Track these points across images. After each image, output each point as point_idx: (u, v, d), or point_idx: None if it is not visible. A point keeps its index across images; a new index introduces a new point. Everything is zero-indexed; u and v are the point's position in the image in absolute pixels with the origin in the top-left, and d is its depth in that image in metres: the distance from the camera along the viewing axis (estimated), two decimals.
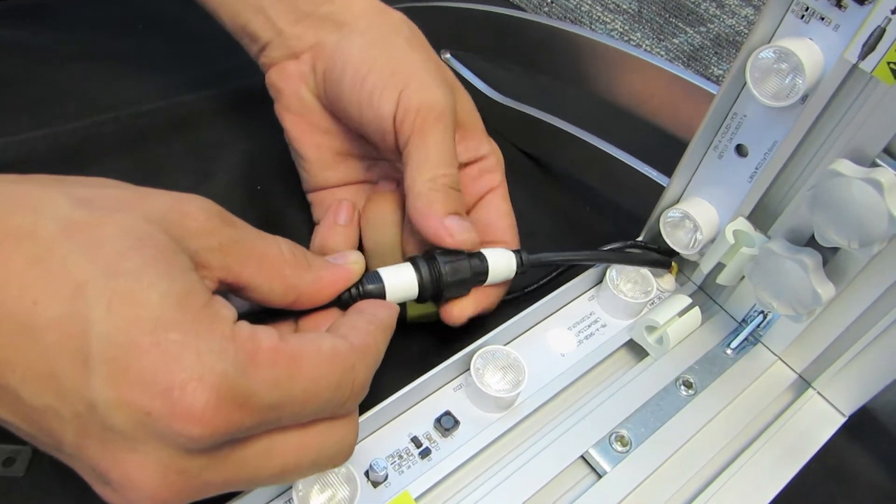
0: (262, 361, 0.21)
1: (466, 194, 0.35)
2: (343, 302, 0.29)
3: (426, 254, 0.31)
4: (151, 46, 0.49)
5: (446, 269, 0.30)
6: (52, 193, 0.22)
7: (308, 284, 0.26)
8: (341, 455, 0.25)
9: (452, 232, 0.30)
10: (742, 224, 0.33)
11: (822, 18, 0.28)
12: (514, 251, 0.33)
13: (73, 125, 0.43)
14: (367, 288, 0.29)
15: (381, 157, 0.37)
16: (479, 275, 0.31)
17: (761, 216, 0.33)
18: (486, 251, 0.32)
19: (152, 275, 0.20)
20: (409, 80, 0.32)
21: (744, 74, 0.30)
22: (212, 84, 0.47)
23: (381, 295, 0.29)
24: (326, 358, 0.23)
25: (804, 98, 0.29)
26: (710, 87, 0.38)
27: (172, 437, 0.20)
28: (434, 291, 0.30)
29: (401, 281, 0.30)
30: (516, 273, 0.33)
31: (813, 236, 0.30)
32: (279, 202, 0.41)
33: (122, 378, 0.19)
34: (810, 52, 0.28)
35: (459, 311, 0.32)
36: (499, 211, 0.36)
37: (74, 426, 0.20)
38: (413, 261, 0.31)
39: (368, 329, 0.26)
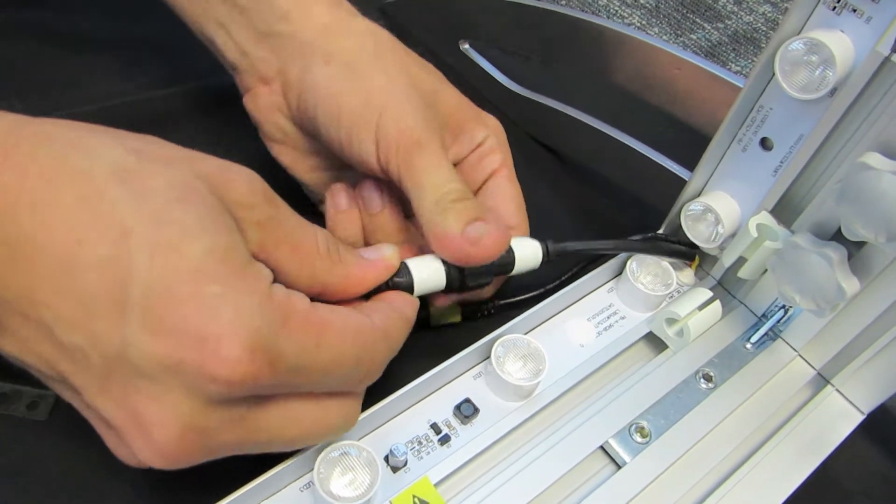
0: (293, 325, 0.22)
1: (471, 184, 0.34)
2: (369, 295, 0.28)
3: None
4: (166, 32, 0.49)
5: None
6: (106, 140, 0.22)
7: (337, 280, 0.26)
8: (344, 429, 0.26)
9: (475, 240, 0.28)
10: (765, 218, 0.33)
11: (855, 10, 0.28)
12: (539, 241, 0.32)
13: (86, 108, 0.43)
14: (395, 280, 0.28)
15: None
16: (506, 265, 0.31)
17: (784, 210, 0.33)
18: (511, 241, 0.32)
19: (198, 228, 0.21)
20: (383, 110, 0.30)
21: (772, 66, 0.30)
22: (224, 71, 0.47)
23: (410, 287, 0.29)
24: (352, 332, 0.23)
25: (833, 91, 0.29)
26: (734, 80, 0.37)
27: (199, 386, 0.20)
28: (461, 282, 0.30)
29: (428, 273, 0.29)
30: (542, 263, 0.32)
31: (838, 230, 0.30)
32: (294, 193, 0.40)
33: (157, 324, 0.20)
34: (841, 44, 0.28)
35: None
36: (504, 194, 0.34)
37: (100, 371, 0.20)
38: None
39: (392, 317, 0.26)
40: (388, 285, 0.28)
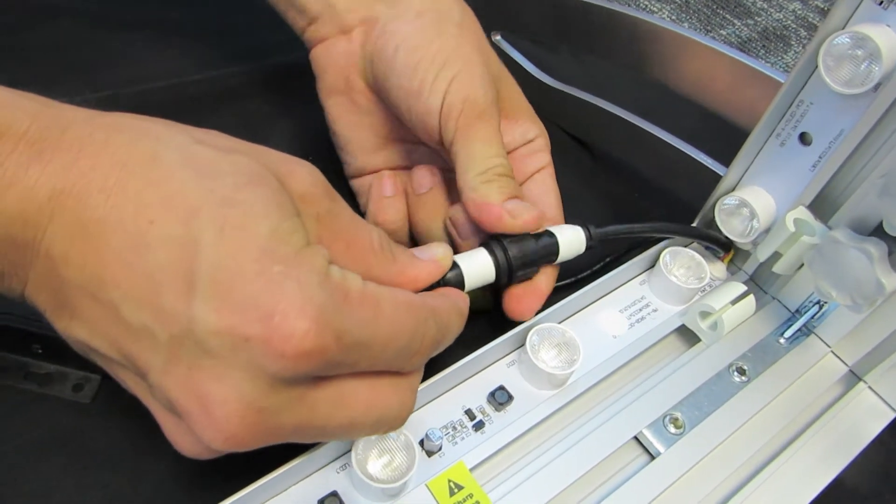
0: (352, 300, 0.22)
1: (516, 175, 0.35)
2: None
3: (492, 237, 0.31)
4: (202, 17, 0.50)
5: (517, 250, 0.30)
6: (172, 129, 0.23)
7: (391, 278, 0.26)
8: (399, 418, 0.25)
9: (514, 213, 0.30)
10: (802, 213, 0.33)
11: None
12: (581, 225, 0.32)
13: (126, 90, 0.43)
14: (445, 276, 0.29)
15: (420, 141, 0.37)
16: (550, 254, 0.31)
17: (821, 205, 0.33)
18: (553, 228, 0.32)
19: (263, 209, 0.21)
20: (458, 73, 0.31)
21: (815, 60, 0.30)
22: (259, 56, 0.47)
23: (460, 281, 0.29)
24: (404, 305, 0.24)
25: (877, 86, 0.29)
26: (774, 74, 0.37)
27: (266, 364, 0.20)
28: (509, 273, 0.30)
29: (478, 266, 0.30)
30: (586, 248, 0.33)
31: (878, 226, 0.30)
32: (329, 178, 0.41)
33: (225, 302, 0.20)
34: (888, 38, 0.28)
35: (526, 306, 0.32)
36: (546, 188, 0.36)
37: (166, 350, 0.20)
38: (486, 245, 0.31)
39: (444, 303, 0.26)
40: (438, 283, 0.28)
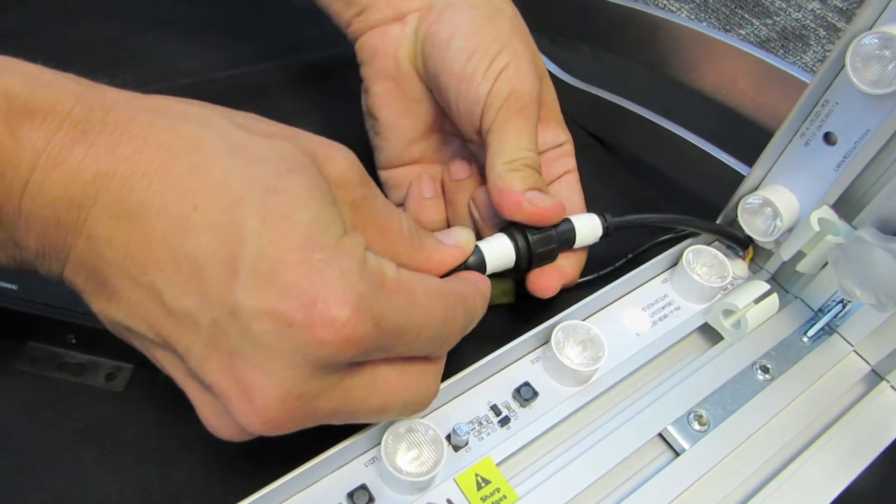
0: (389, 287, 0.22)
1: (544, 176, 0.35)
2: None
3: (512, 224, 0.32)
4: (230, 14, 0.50)
5: (536, 236, 0.31)
6: (213, 112, 0.23)
7: (419, 263, 0.27)
8: (424, 403, 0.26)
9: (534, 202, 0.31)
10: (826, 212, 0.33)
11: None
12: (598, 213, 0.33)
13: (153, 87, 0.43)
14: (467, 260, 0.29)
15: (455, 133, 0.37)
16: (567, 239, 0.32)
17: (845, 205, 0.33)
18: (570, 216, 0.32)
19: (305, 197, 0.21)
20: (509, 64, 0.32)
21: (843, 60, 0.30)
22: (284, 55, 0.48)
23: (482, 265, 0.30)
24: (434, 293, 0.24)
25: None
26: (796, 73, 0.37)
27: (308, 351, 0.20)
28: (528, 259, 0.31)
29: (498, 251, 0.30)
30: (602, 236, 0.33)
31: None
32: None
33: (268, 288, 0.20)
34: None
35: (547, 283, 0.32)
36: (572, 189, 0.36)
37: (208, 334, 0.21)
38: (506, 230, 0.31)
39: (469, 287, 0.27)
40: (461, 266, 0.29)
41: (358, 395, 0.23)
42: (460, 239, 0.29)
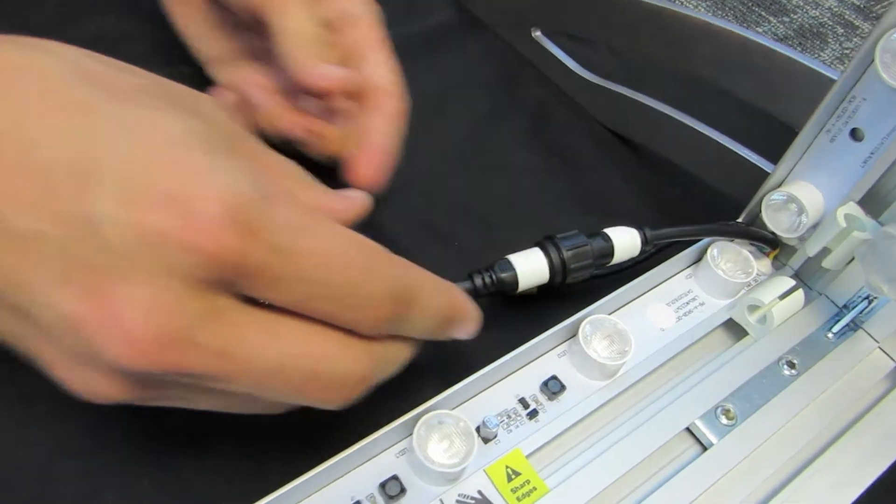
0: (281, 202, 0.20)
1: (343, 49, 0.34)
2: (477, 290, 0.30)
3: (547, 238, 0.32)
4: None
5: (572, 251, 0.31)
6: (68, 47, 0.21)
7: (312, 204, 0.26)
8: (348, 384, 0.22)
9: (328, 75, 0.30)
10: (853, 208, 0.33)
11: None
12: (637, 227, 0.33)
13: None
14: (500, 276, 0.29)
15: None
16: (605, 255, 0.32)
17: (871, 201, 0.33)
18: (608, 230, 0.32)
19: (175, 112, 0.20)
20: None
21: (872, 56, 0.30)
22: None
23: (515, 282, 0.30)
24: (356, 239, 0.21)
25: None
26: (820, 68, 0.37)
27: (176, 257, 0.18)
28: (563, 274, 0.31)
29: (532, 267, 0.30)
30: (640, 251, 0.33)
31: None
32: None
33: (131, 194, 0.18)
34: None
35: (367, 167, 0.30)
36: (376, 60, 0.33)
37: (61, 257, 0.18)
38: (540, 245, 0.31)
39: (417, 269, 0.24)
40: (494, 282, 0.29)
41: (250, 336, 0.20)
42: (356, 193, 0.28)
